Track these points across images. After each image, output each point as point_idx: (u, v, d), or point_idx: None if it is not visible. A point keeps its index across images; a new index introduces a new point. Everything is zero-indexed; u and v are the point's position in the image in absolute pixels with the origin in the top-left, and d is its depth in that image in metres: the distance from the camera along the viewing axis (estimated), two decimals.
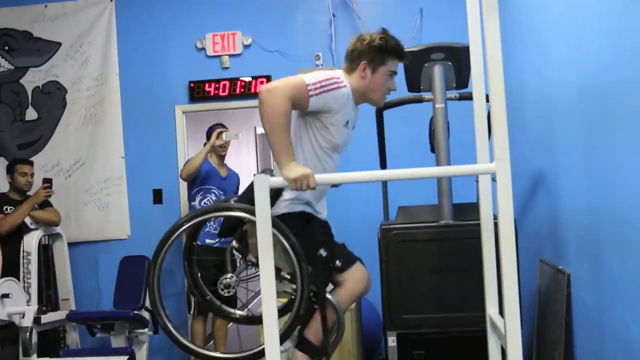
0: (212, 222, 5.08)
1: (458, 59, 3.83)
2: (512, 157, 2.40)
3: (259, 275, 2.55)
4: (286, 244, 2.61)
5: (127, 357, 4.75)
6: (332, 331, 2.85)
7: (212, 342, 5.33)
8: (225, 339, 5.30)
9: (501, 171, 2.38)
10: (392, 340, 3.65)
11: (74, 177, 6.01)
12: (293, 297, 2.72)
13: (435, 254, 3.67)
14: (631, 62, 2.43)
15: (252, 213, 2.52)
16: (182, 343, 2.85)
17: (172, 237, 2.75)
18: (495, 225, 2.59)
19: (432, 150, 3.93)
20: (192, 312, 5.27)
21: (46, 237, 5.32)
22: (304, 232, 2.73)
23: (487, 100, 2.61)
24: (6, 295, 4.49)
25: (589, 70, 2.95)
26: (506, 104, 2.42)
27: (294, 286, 2.68)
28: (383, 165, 4.63)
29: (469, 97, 3.25)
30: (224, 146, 5.36)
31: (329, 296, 2.78)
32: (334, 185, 3.02)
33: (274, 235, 2.51)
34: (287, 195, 2.79)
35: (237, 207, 2.74)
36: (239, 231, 2.82)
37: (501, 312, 2.61)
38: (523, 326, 2.36)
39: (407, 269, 3.66)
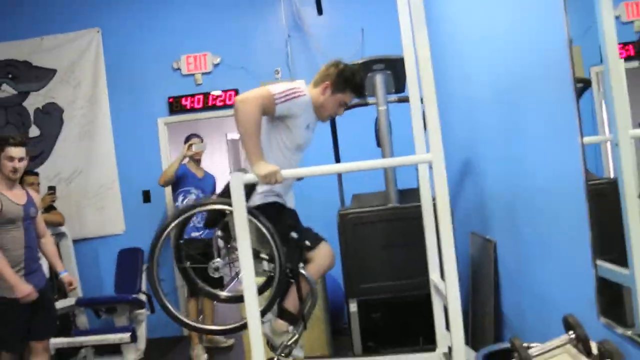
0: (196, 217, 5.02)
1: (395, 68, 3.83)
2: (445, 148, 2.41)
3: None
4: (264, 230, 2.59)
5: (129, 334, 4.68)
6: (306, 300, 2.84)
7: (202, 316, 5.30)
8: (213, 314, 5.30)
9: (436, 160, 2.38)
10: (353, 307, 3.65)
11: (73, 184, 5.91)
12: (272, 274, 2.70)
13: (385, 232, 3.67)
14: (530, 68, 2.47)
15: (231, 205, 2.48)
16: (178, 318, 2.83)
17: (163, 235, 2.67)
18: (434, 205, 2.60)
19: (378, 145, 3.94)
20: (187, 295, 5.24)
21: (53, 235, 5.17)
22: (277, 218, 2.70)
23: (422, 102, 2.62)
24: None
25: (501, 72, 2.98)
26: (437, 104, 2.43)
27: (272, 265, 2.66)
28: (337, 160, 4.62)
29: (406, 100, 3.26)
30: (198, 153, 5.26)
31: (302, 271, 2.77)
32: (298, 179, 3.00)
33: (252, 223, 2.50)
34: (260, 189, 2.76)
35: (218, 201, 2.71)
36: (222, 222, 2.78)
37: (442, 276, 2.64)
38: (460, 287, 2.38)
39: (362, 246, 3.66)
